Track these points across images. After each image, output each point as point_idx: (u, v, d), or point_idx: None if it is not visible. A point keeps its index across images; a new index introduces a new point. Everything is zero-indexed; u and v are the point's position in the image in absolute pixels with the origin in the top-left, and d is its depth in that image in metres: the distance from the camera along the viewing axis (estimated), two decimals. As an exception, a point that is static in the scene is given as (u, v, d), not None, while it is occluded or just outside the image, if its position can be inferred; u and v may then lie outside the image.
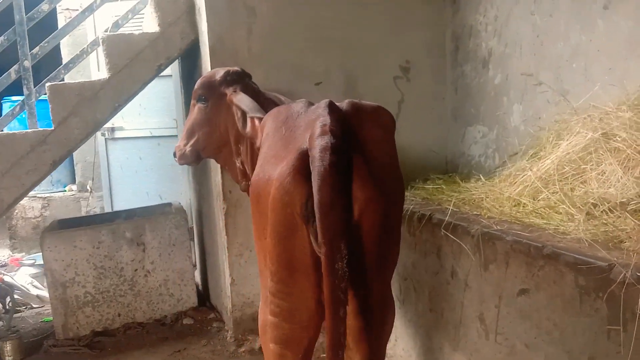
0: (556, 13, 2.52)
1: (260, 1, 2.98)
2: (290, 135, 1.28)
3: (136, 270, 3.61)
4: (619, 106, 2.06)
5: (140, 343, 3.36)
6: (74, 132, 3.05)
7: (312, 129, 1.18)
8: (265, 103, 2.26)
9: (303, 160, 1.14)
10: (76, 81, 3.11)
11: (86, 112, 3.07)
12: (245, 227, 3.08)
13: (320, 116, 1.26)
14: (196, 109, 2.43)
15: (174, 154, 2.55)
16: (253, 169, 2.32)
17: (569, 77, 2.49)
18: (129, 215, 4.11)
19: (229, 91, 2.31)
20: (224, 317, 3.45)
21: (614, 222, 1.61)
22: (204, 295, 3.94)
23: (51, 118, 3.02)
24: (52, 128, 3.01)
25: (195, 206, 4.06)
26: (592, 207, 1.81)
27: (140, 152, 4.70)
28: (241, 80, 2.37)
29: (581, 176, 1.98)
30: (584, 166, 1.98)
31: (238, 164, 2.43)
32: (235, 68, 2.41)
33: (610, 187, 1.84)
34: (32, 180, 3.00)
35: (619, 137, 1.88)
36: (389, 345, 1.84)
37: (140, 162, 4.66)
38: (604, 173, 1.89)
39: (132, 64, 3.12)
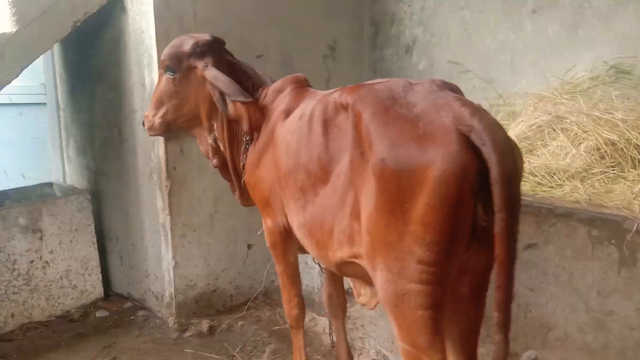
0: (486, 11, 2.95)
1: (207, -35, 2.79)
2: (412, 115, 1.33)
3: (32, 261, 3.07)
4: (554, 93, 2.55)
5: (51, 344, 2.90)
6: (-30, 96, 2.45)
7: (456, 109, 1.27)
8: (239, 76, 2.19)
9: (464, 137, 1.23)
10: None
11: (-14, 71, 2.49)
12: (189, 207, 2.90)
13: (446, 95, 1.35)
14: (164, 79, 2.21)
15: (143, 123, 2.29)
16: (230, 146, 2.25)
17: (495, 68, 2.95)
18: (1, 198, 3.43)
19: (199, 65, 2.14)
20: (149, 304, 3.18)
21: (591, 185, 2.06)
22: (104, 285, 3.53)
23: (-61, 77, 2.37)
24: (-59, 90, 2.37)
25: (86, 186, 3.58)
26: (551, 176, 2.26)
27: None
28: (212, 51, 2.21)
29: (535, 151, 2.43)
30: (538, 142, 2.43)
31: (210, 141, 2.30)
32: (205, 36, 2.22)
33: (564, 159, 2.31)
34: None
35: (567, 120, 2.37)
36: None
37: (-4, 135, 3.86)
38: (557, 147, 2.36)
39: (43, 17, 2.62)
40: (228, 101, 2.08)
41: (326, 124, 1.69)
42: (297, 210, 1.80)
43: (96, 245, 3.32)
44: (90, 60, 3.28)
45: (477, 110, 1.28)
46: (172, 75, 2.17)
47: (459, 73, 3.11)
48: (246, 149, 2.22)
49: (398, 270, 1.34)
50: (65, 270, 3.20)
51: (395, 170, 1.30)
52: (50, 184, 3.68)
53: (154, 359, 2.72)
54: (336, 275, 2.30)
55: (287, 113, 1.99)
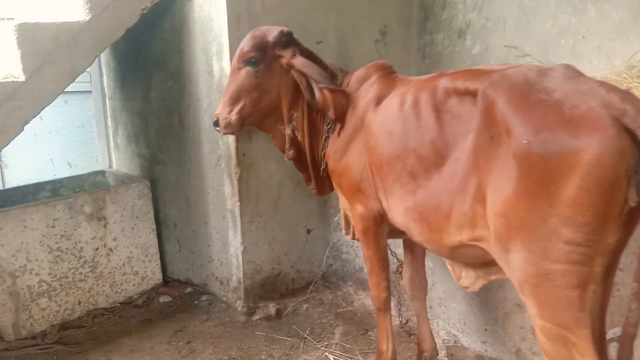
0: (546, -4, 2.97)
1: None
2: (553, 100, 1.37)
3: (97, 249, 3.11)
4: (621, 77, 2.59)
5: (121, 329, 2.96)
6: (49, 86, 2.47)
7: (603, 94, 1.30)
8: (319, 64, 2.21)
9: (618, 121, 1.28)
10: (50, 21, 2.47)
11: (63, 60, 2.50)
12: (256, 193, 2.94)
13: (589, 81, 1.39)
14: (243, 72, 2.19)
15: (216, 123, 2.25)
16: (310, 136, 2.28)
17: (556, 52, 2.98)
18: (56, 187, 3.46)
19: (286, 54, 2.17)
20: (213, 289, 3.23)
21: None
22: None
23: (21, 67, 2.38)
24: (23, 80, 2.38)
25: (138, 173, 3.60)
26: None
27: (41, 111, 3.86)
28: (295, 40, 2.25)
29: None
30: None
31: (288, 132, 2.32)
32: (286, 27, 2.25)
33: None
34: (-1, 146, 2.36)
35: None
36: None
37: (42, 124, 3.85)
38: None
39: (114, 5, 2.62)
40: (315, 89, 2.11)
41: (437, 110, 1.73)
42: (403, 195, 1.84)
43: (155, 232, 3.37)
44: (146, 48, 3.28)
45: (628, 95, 1.33)
46: (254, 67, 2.17)
47: (517, 57, 3.14)
48: (327, 138, 2.25)
49: (540, 251, 1.38)
50: (127, 257, 3.24)
51: (543, 154, 1.34)
52: (102, 172, 3.71)
53: (227, 342, 2.78)
54: (417, 258, 2.37)
55: (379, 100, 2.02)
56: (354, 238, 2.38)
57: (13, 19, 2.57)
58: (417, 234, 1.86)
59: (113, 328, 2.99)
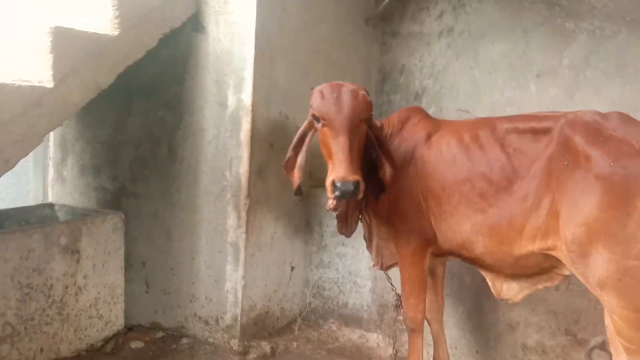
0: (495, 73, 3.65)
1: None
2: (621, 136, 1.78)
3: (67, 287, 2.74)
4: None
5: (98, 379, 2.60)
6: (74, 96, 2.28)
7: None
8: None
9: None
10: (83, 30, 2.28)
11: (89, 71, 2.34)
12: (260, 226, 2.93)
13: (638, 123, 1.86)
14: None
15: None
16: None
17: (502, 118, 3.62)
18: (1, 218, 3.00)
19: None
20: (193, 331, 3.02)
21: None
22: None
23: (51, 72, 2.17)
24: (51, 86, 2.18)
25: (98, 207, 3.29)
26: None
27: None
28: None
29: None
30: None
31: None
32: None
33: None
34: (18, 156, 2.08)
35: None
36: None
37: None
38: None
39: (140, 25, 2.56)
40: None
41: (501, 144, 2.09)
42: (470, 213, 2.12)
43: (123, 271, 3.07)
44: (132, 75, 3.13)
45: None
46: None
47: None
48: None
49: (622, 251, 1.75)
50: (95, 297, 2.89)
51: (623, 174, 1.75)
52: (51, 205, 3.29)
53: (229, 384, 2.64)
54: (438, 282, 2.61)
55: (429, 136, 2.33)
56: (381, 268, 2.56)
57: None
58: (482, 247, 2.13)
59: (86, 378, 2.61)
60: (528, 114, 2.18)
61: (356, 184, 1.94)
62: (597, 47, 3.37)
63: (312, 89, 2.16)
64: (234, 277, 2.87)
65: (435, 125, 2.38)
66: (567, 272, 2.08)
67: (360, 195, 2.00)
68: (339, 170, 1.96)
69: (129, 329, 3.13)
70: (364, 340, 3.17)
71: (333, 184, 1.94)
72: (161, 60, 3.03)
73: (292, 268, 3.29)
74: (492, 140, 2.13)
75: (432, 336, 2.62)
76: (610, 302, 1.84)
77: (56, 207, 3.29)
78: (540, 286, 2.19)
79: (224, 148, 2.86)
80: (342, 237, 3.21)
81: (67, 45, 2.21)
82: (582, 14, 3.44)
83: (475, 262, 2.26)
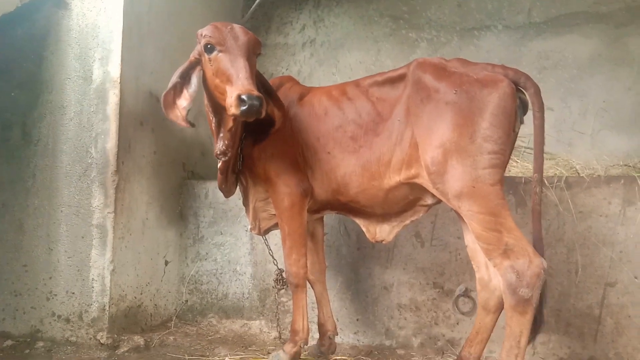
0: (353, 77, 3.99)
1: None
2: (461, 71, 2.07)
3: None
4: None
5: None
6: None
7: (489, 68, 2.09)
8: None
9: (507, 78, 2.06)
10: None
11: None
12: (129, 207, 2.75)
13: (478, 63, 2.17)
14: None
15: (258, 99, 1.95)
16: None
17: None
18: None
19: None
20: (50, 333, 2.65)
21: None
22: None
23: None
24: None
25: None
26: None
27: None
28: None
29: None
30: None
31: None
32: None
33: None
34: None
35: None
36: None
37: None
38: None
39: (-8, -15, 2.40)
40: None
41: (366, 95, 2.31)
42: (345, 156, 2.26)
43: (-40, 273, 2.63)
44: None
45: (504, 66, 2.15)
46: None
47: (333, 120, 3.98)
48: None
49: (471, 163, 1.99)
50: None
51: (467, 97, 2.03)
52: None
53: (98, 377, 2.34)
54: (318, 243, 2.66)
55: (301, 97, 2.48)
56: (259, 233, 2.55)
57: None
58: (356, 186, 2.25)
59: None
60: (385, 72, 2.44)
61: (261, 100, 1.90)
62: (435, 52, 3.90)
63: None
64: (100, 263, 2.62)
65: (305, 89, 2.55)
66: (429, 201, 2.28)
67: (263, 114, 1.95)
68: (244, 83, 1.91)
69: (-37, 343, 2.64)
70: (247, 329, 3.05)
71: (239, 97, 1.87)
72: (15, 40, 2.83)
73: (167, 262, 3.10)
74: (357, 92, 2.33)
75: (316, 297, 2.63)
76: (469, 210, 2.04)
77: None
78: (407, 221, 2.36)
79: (89, 124, 2.69)
80: (220, 227, 3.17)
81: None
82: (422, 25, 3.98)
83: (350, 206, 2.37)
